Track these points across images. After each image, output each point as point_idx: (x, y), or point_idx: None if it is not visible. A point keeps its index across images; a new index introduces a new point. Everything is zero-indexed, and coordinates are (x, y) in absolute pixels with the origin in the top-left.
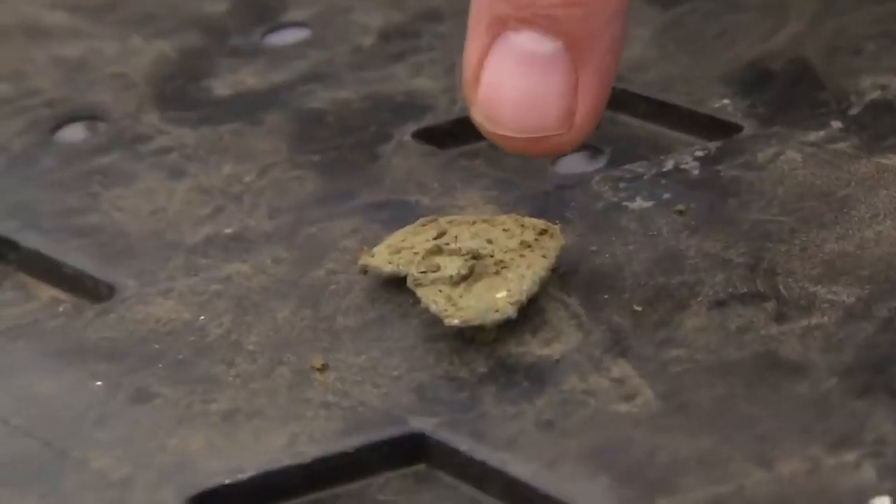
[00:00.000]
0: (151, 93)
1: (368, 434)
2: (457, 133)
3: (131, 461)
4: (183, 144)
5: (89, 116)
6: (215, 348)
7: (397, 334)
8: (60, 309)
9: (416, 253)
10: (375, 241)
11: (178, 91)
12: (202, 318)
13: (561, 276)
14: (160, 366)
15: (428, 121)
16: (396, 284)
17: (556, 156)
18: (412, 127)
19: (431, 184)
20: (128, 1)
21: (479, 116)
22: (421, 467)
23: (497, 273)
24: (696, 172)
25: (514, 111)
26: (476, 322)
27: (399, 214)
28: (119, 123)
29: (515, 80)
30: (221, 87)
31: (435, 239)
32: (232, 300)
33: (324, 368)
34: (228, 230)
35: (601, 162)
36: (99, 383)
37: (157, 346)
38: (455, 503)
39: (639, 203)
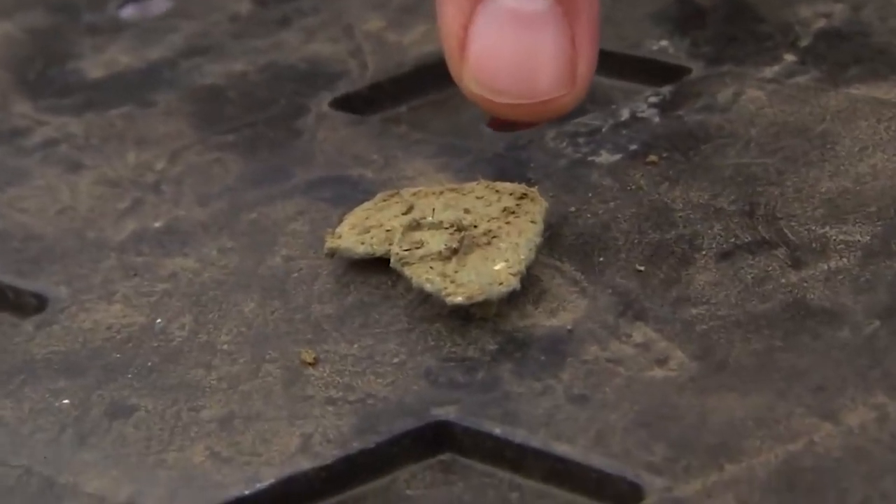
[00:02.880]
0: (13, 80)
1: (387, 428)
2: (375, 98)
3: (131, 480)
4: (69, 134)
5: None
6: (185, 352)
7: (385, 318)
8: None
9: (388, 231)
10: (327, 223)
11: (43, 76)
12: (159, 320)
13: (547, 241)
14: (129, 376)
15: (342, 88)
16: (368, 266)
17: (557, 118)
18: (326, 96)
19: (370, 155)
20: None
21: (473, 87)
22: (446, 456)
23: (488, 244)
24: (656, 120)
25: (512, 76)
26: (481, 298)
27: (344, 191)
28: None
29: (509, 43)
30: (92, 68)
31: (405, 214)
32: (186, 298)
33: (316, 362)
34: (157, 224)
35: None
36: (66, 401)
37: (118, 356)
38: (492, 491)
39: (605, 157)
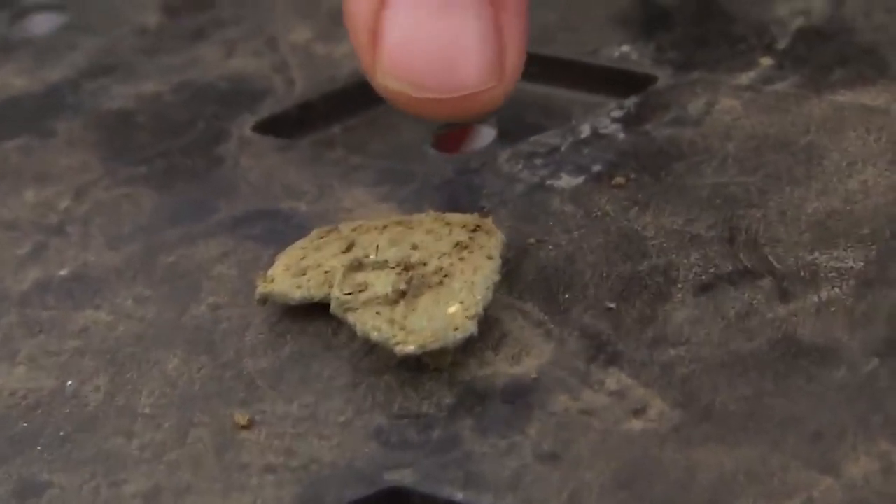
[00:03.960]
0: None
1: (335, 496)
2: (305, 119)
3: None
4: None
5: None
6: (102, 418)
7: (327, 372)
8: None
9: (327, 272)
10: (257, 264)
11: None
12: (70, 383)
13: (505, 278)
14: (38, 448)
15: (267, 109)
16: (305, 312)
17: (486, 115)
18: (250, 119)
19: (302, 185)
20: None
21: (388, 82)
22: None
23: (440, 283)
24: (621, 136)
25: (434, 67)
26: (434, 345)
27: (275, 227)
28: None
29: (429, 30)
30: None
31: (345, 252)
32: (100, 356)
33: (250, 424)
34: (63, 271)
35: (489, 137)
36: None
37: (24, 425)
38: None
39: (566, 180)
